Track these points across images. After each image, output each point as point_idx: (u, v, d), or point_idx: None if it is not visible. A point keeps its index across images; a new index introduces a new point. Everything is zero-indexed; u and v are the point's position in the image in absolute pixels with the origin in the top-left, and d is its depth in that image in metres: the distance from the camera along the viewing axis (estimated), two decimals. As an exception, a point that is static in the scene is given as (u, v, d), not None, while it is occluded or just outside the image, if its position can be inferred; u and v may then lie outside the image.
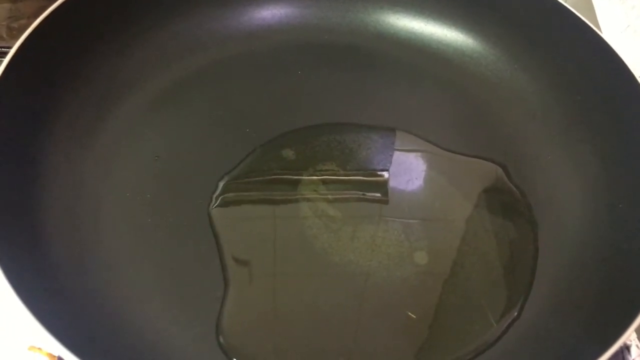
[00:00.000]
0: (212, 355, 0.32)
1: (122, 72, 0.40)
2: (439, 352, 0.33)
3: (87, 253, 0.34)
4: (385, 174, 0.40)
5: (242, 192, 0.38)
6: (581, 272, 0.35)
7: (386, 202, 0.38)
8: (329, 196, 0.38)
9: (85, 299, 0.32)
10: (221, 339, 0.32)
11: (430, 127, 0.42)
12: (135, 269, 0.34)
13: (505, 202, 0.39)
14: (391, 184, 0.39)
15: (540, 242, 0.37)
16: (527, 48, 0.43)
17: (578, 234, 0.37)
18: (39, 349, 0.32)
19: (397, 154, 0.41)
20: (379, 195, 0.39)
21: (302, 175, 0.39)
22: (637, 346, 0.34)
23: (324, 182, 0.39)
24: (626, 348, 0.34)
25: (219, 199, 0.37)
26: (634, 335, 0.34)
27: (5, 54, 0.34)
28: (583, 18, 0.40)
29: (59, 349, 0.26)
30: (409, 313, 0.34)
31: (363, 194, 0.39)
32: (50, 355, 0.31)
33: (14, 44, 0.34)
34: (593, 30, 0.40)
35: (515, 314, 0.34)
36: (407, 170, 0.40)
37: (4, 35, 0.44)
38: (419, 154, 0.41)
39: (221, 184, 0.38)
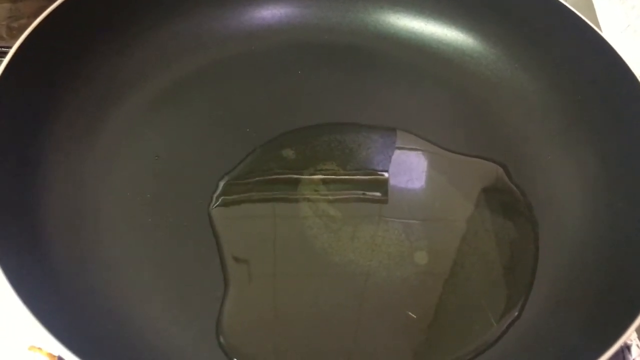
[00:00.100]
0: (212, 355, 0.32)
1: (122, 72, 0.40)
2: (439, 352, 0.33)
3: (87, 253, 0.34)
4: (386, 174, 0.40)
5: (242, 192, 0.38)
6: (581, 272, 0.35)
7: (386, 202, 0.38)
8: (329, 196, 0.38)
9: (85, 299, 0.32)
10: (221, 339, 0.32)
11: (430, 127, 0.42)
12: (135, 269, 0.34)
13: (506, 202, 0.39)
14: (391, 183, 0.39)
15: (541, 242, 0.37)
16: (527, 48, 0.43)
17: (578, 234, 0.37)
18: (39, 348, 0.32)
19: (397, 154, 0.41)
20: (379, 195, 0.39)
21: (302, 175, 0.39)
22: (637, 346, 0.34)
23: (324, 182, 0.39)
24: (626, 348, 0.34)
25: (219, 198, 0.37)
26: (635, 335, 0.34)
27: (5, 53, 0.34)
28: (583, 18, 0.40)
29: (59, 348, 0.26)
30: (409, 313, 0.34)
31: (363, 194, 0.39)
32: (51, 355, 0.31)
33: (13, 43, 0.34)
34: (593, 30, 0.40)
35: (516, 313, 0.34)
36: (407, 170, 0.40)
37: (4, 35, 0.44)
38: (419, 153, 0.41)
39: (221, 184, 0.38)
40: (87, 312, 0.31)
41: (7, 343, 0.32)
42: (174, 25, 0.43)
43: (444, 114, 0.43)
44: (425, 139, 0.41)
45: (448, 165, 0.40)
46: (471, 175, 0.40)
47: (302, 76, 0.44)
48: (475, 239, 0.37)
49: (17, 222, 0.32)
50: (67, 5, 0.37)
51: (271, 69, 0.44)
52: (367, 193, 0.39)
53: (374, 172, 0.40)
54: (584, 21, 0.40)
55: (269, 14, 0.45)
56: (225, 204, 0.37)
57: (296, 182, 0.39)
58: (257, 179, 0.38)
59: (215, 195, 0.37)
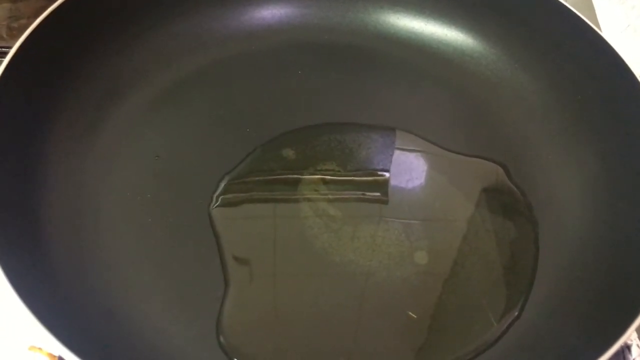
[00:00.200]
0: (213, 355, 0.32)
1: (122, 72, 0.40)
2: (440, 352, 0.33)
3: (87, 253, 0.34)
4: (386, 174, 0.40)
5: (242, 191, 0.38)
6: (581, 272, 0.35)
7: (386, 201, 0.38)
8: (330, 196, 0.38)
9: (85, 299, 0.32)
10: (221, 339, 0.32)
11: (430, 127, 0.42)
12: (135, 269, 0.34)
13: (506, 202, 0.39)
14: (391, 183, 0.39)
15: (541, 242, 0.37)
16: (527, 48, 0.43)
17: (578, 234, 0.37)
18: (40, 348, 0.32)
19: (397, 154, 0.41)
20: (379, 195, 0.39)
21: (302, 175, 0.39)
22: (637, 346, 0.34)
23: (324, 181, 0.39)
24: (627, 348, 0.34)
25: (220, 198, 0.37)
26: (635, 335, 0.34)
27: (6, 54, 0.34)
28: (583, 17, 0.40)
29: (59, 348, 0.26)
30: (410, 313, 0.34)
31: (363, 194, 0.39)
32: (51, 355, 0.31)
33: (14, 44, 0.34)
34: (593, 30, 0.40)
35: (516, 313, 0.34)
36: (408, 170, 0.40)
37: (4, 35, 0.44)
38: (419, 153, 0.41)
39: (221, 184, 0.38)
40: (87, 312, 0.31)
41: (7, 343, 0.32)
42: (174, 25, 0.43)
43: (444, 114, 0.43)
44: (425, 139, 0.41)
45: (448, 165, 0.40)
46: (471, 175, 0.40)
47: (302, 76, 0.44)
48: (476, 239, 0.37)
49: (17, 222, 0.32)
50: (67, 5, 0.37)
51: (271, 69, 0.44)
52: (367, 193, 0.39)
53: (374, 172, 0.40)
54: (584, 21, 0.40)
55: (269, 14, 0.45)
56: (225, 204, 0.37)
57: (296, 182, 0.39)
58: (257, 179, 0.38)
59: (215, 195, 0.37)
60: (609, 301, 0.33)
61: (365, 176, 0.39)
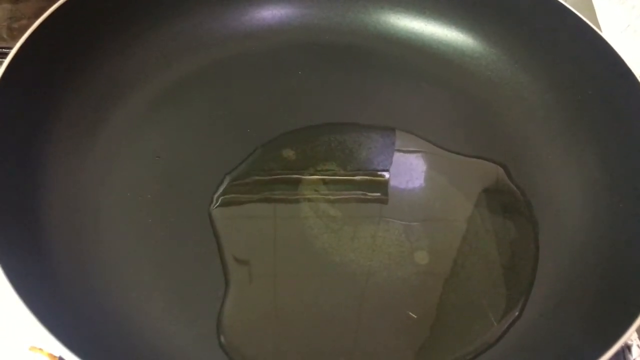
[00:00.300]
0: (213, 355, 0.32)
1: (122, 72, 0.40)
2: (440, 352, 0.33)
3: (87, 253, 0.34)
4: (386, 174, 0.40)
5: (242, 192, 0.38)
6: (581, 272, 0.35)
7: (386, 202, 0.38)
8: (330, 196, 0.38)
9: (85, 299, 0.32)
10: (222, 339, 0.32)
11: (430, 127, 0.42)
12: (135, 269, 0.34)
13: (506, 202, 0.39)
14: (392, 183, 0.39)
15: (541, 241, 0.37)
16: (527, 48, 0.43)
17: (578, 234, 0.37)
18: (40, 349, 0.32)
19: (397, 154, 0.41)
20: (379, 195, 0.39)
21: (302, 175, 0.39)
22: (638, 346, 0.34)
23: (324, 182, 0.39)
24: (627, 348, 0.34)
25: (220, 199, 0.37)
26: (635, 335, 0.34)
27: (6, 54, 0.34)
28: (583, 18, 0.40)
29: (60, 349, 0.26)
30: (410, 313, 0.34)
31: (364, 194, 0.39)
32: (51, 356, 0.31)
33: (14, 44, 0.34)
34: (593, 30, 0.40)
35: (516, 313, 0.34)
36: (408, 170, 0.40)
37: (5, 36, 0.44)
38: (419, 154, 0.41)
39: (222, 184, 0.38)
40: (87, 312, 0.31)
41: (8, 343, 0.32)
42: (174, 25, 0.43)
43: (444, 114, 0.43)
44: (425, 139, 0.41)
45: (448, 166, 0.40)
46: (471, 176, 0.40)
47: (302, 76, 0.44)
48: (476, 239, 0.37)
49: (17, 222, 0.32)
50: (68, 6, 0.37)
51: (271, 69, 0.44)
52: (368, 193, 0.39)
53: (374, 172, 0.40)
54: (584, 21, 0.40)
55: (269, 14, 0.45)
56: (225, 204, 0.37)
57: (297, 182, 0.39)
58: (257, 179, 0.38)
59: (215, 196, 0.37)
60: (609, 301, 0.33)
61: (366, 176, 0.39)
